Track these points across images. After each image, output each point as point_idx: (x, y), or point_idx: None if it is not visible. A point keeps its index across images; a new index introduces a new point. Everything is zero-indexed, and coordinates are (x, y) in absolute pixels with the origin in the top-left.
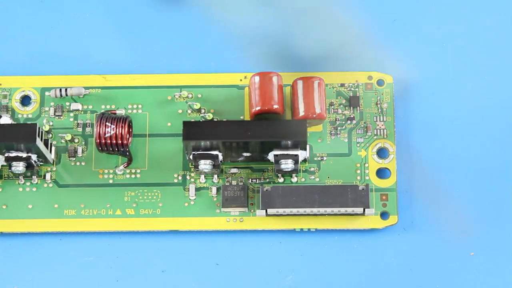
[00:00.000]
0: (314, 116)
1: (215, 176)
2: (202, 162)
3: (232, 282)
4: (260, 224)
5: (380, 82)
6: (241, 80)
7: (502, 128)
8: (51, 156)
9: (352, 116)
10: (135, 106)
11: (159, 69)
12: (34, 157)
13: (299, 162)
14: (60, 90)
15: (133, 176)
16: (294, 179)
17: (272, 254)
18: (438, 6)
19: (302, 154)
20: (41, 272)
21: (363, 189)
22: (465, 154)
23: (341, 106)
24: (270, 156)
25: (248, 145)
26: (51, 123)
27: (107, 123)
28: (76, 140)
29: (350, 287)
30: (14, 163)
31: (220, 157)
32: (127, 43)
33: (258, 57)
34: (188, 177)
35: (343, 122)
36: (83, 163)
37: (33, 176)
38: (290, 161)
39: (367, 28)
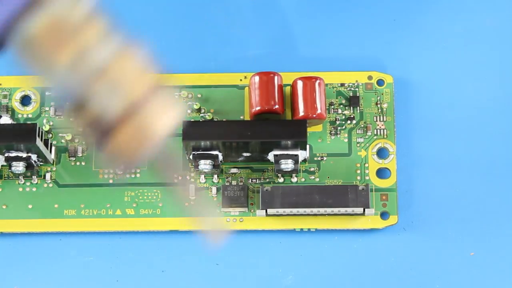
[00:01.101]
0: (314, 116)
1: (215, 176)
2: (202, 162)
3: (232, 282)
4: (260, 224)
5: (380, 82)
6: (241, 80)
7: (503, 127)
8: (51, 156)
9: (352, 116)
10: None
11: (159, 69)
12: (34, 157)
13: (299, 162)
14: None
15: (133, 176)
16: (294, 179)
17: (272, 254)
18: (438, 6)
19: (302, 154)
20: (41, 272)
21: (363, 189)
22: (465, 154)
23: (341, 106)
24: (270, 156)
25: (248, 145)
26: (51, 123)
27: None
28: (76, 140)
29: (350, 287)
30: (14, 163)
31: (220, 157)
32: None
33: (258, 57)
34: (188, 177)
35: (343, 122)
36: (83, 163)
37: (33, 176)
38: (290, 161)
39: (367, 28)
